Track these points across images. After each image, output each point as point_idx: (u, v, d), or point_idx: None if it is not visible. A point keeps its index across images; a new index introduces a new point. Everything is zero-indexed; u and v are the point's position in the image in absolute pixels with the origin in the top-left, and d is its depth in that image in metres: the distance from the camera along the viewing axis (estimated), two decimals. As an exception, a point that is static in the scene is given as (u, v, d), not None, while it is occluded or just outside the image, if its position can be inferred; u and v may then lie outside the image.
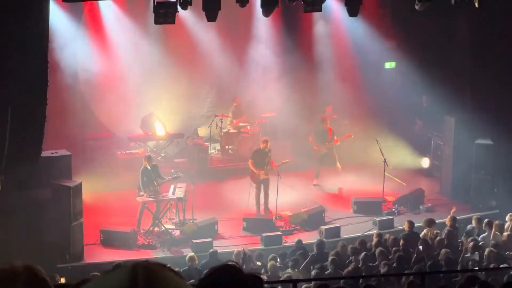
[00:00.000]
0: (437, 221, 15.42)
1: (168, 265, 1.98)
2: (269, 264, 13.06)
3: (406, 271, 12.52)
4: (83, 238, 14.72)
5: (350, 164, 19.20)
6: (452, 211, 15.76)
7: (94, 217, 15.89)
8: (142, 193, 15.68)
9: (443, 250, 13.52)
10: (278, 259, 13.59)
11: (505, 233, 14.49)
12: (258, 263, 13.40)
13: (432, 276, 12.20)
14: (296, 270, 12.98)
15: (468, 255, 13.53)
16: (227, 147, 20.37)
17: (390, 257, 13.36)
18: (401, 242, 14.06)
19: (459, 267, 12.81)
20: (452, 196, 17.99)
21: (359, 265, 12.93)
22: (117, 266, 1.96)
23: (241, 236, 15.87)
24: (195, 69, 20.14)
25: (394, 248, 13.79)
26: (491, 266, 12.87)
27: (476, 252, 13.52)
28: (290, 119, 20.54)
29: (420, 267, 12.48)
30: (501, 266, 12.67)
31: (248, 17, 20.07)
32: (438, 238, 14.28)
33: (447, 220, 15.16)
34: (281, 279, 12.29)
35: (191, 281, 12.00)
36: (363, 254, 13.26)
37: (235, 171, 19.14)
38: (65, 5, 16.99)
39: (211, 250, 14.01)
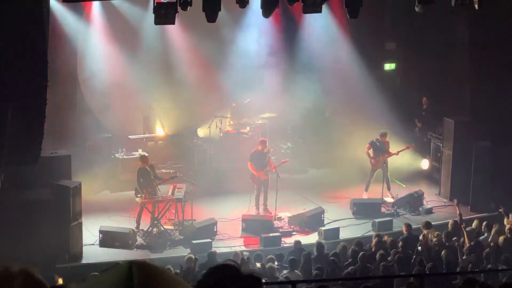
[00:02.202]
0: (436, 222, 15.42)
1: (168, 267, 1.99)
2: (267, 266, 13.05)
3: (405, 273, 12.53)
4: (82, 239, 14.72)
5: (350, 164, 19.20)
6: (455, 203, 15.66)
7: (93, 218, 15.88)
8: (140, 194, 15.67)
9: (443, 252, 13.51)
10: (276, 261, 13.57)
11: (503, 236, 14.47)
12: (258, 265, 13.37)
13: (432, 279, 12.20)
14: (296, 271, 12.97)
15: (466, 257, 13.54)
16: (226, 148, 20.35)
17: (389, 258, 13.37)
18: (400, 244, 14.07)
19: (458, 269, 12.81)
20: (451, 198, 17.97)
21: (357, 265, 12.92)
22: (114, 265, 1.98)
23: (240, 237, 15.87)
24: (195, 69, 20.11)
25: (393, 250, 13.78)
26: (489, 267, 12.87)
27: (472, 255, 13.53)
28: (290, 120, 20.53)
29: (419, 269, 12.48)
30: (500, 268, 12.67)
31: (248, 17, 20.07)
32: (436, 238, 14.29)
33: (449, 224, 15.15)
34: (279, 280, 12.29)
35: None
36: (361, 253, 13.25)
37: (234, 172, 19.12)
38: (65, 5, 16.98)
39: (210, 251, 14.01)
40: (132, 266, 1.90)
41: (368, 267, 12.98)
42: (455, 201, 15.72)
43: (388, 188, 17.94)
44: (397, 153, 18.05)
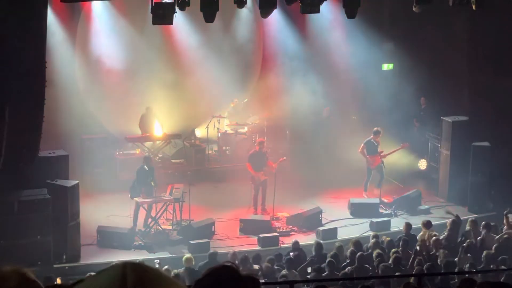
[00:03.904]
0: (434, 222, 15.43)
1: (166, 267, 2.00)
2: (264, 266, 13.04)
3: (403, 273, 12.53)
4: (80, 239, 14.71)
5: (347, 165, 19.22)
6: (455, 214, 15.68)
7: (91, 218, 15.87)
8: (138, 193, 15.66)
9: (441, 252, 13.51)
10: (274, 261, 13.55)
11: (505, 236, 14.49)
12: (256, 266, 13.34)
13: (430, 278, 12.21)
14: (293, 270, 12.97)
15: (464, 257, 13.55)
16: (224, 148, 20.38)
17: (386, 258, 13.37)
18: (401, 243, 14.08)
19: (456, 269, 12.82)
20: (449, 198, 18.01)
21: (355, 265, 12.93)
22: (108, 266, 2.00)
23: (238, 237, 15.86)
24: (193, 70, 20.13)
25: (391, 250, 13.78)
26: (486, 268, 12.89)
27: (469, 255, 13.55)
28: (288, 121, 20.53)
29: (417, 269, 12.49)
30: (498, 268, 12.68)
31: (245, 17, 20.08)
32: (435, 238, 14.30)
33: (447, 224, 15.17)
34: (277, 280, 12.30)
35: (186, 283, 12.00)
36: (358, 254, 13.25)
37: (232, 172, 19.13)
38: (63, 5, 16.98)
39: (211, 251, 13.99)
40: (126, 267, 1.92)
41: (366, 267, 12.99)
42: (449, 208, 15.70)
43: (379, 186, 18.01)
44: (391, 153, 18.04)
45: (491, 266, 12.89)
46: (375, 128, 18.01)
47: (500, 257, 13.21)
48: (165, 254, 14.92)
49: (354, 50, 20.34)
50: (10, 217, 13.64)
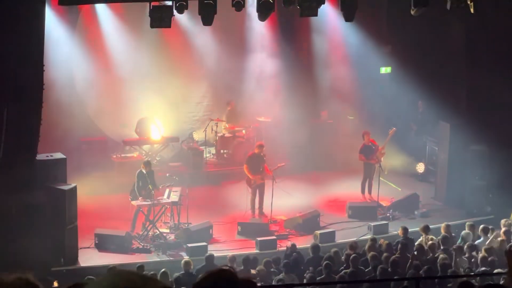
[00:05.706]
0: (431, 226, 15.44)
1: (163, 270, 2.02)
2: (258, 268, 13.00)
3: (400, 276, 12.53)
4: (78, 242, 14.70)
5: (345, 168, 19.24)
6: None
7: (89, 221, 15.87)
8: (137, 197, 15.67)
9: (441, 256, 13.52)
10: (272, 264, 13.54)
11: (499, 239, 14.50)
12: (253, 271, 13.30)
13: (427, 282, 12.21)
14: (291, 274, 12.95)
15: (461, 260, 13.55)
16: (222, 151, 20.35)
17: (383, 261, 13.36)
18: (399, 247, 14.07)
19: (453, 273, 12.82)
20: (446, 202, 18.00)
21: (351, 269, 12.91)
22: (111, 269, 2.01)
23: (236, 240, 15.86)
24: (190, 73, 20.14)
25: (388, 254, 13.77)
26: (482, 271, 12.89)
27: (464, 258, 13.54)
28: (285, 124, 20.54)
29: (414, 272, 12.48)
30: (495, 271, 12.68)
31: (244, 20, 20.08)
32: (431, 242, 14.30)
33: (442, 228, 15.17)
34: (274, 283, 12.29)
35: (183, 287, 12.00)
36: (352, 256, 13.22)
37: (230, 175, 19.13)
38: (61, 8, 16.98)
39: (207, 254, 13.97)
40: (121, 273, 1.93)
41: (361, 270, 12.97)
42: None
43: (369, 191, 18.02)
44: (384, 147, 18.01)
45: (488, 269, 12.89)
46: (362, 132, 18.08)
47: (497, 260, 13.23)
48: (162, 258, 14.91)
49: (351, 53, 20.37)
50: (7, 220, 13.62)
